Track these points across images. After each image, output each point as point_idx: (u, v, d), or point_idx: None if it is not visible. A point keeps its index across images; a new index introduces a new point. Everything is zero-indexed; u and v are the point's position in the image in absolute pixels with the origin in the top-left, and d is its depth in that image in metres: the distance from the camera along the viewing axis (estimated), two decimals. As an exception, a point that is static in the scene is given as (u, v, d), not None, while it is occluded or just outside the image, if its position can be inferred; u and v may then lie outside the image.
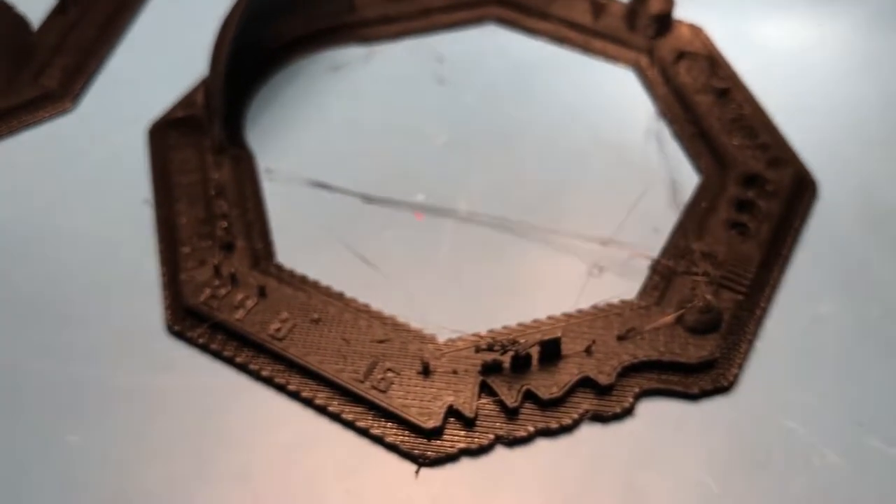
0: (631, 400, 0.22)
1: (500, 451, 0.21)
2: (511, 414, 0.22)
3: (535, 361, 0.22)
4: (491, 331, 0.23)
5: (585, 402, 0.22)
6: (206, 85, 0.30)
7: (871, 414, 0.22)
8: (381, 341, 0.23)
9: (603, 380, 0.22)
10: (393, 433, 0.21)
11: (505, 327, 0.23)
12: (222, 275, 0.24)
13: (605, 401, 0.22)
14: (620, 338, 0.23)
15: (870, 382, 0.23)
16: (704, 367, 0.23)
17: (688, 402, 0.22)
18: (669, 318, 0.23)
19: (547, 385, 0.22)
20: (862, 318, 0.24)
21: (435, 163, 0.29)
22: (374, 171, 0.28)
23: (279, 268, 0.25)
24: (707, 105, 0.30)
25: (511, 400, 0.22)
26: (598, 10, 0.34)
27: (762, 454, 0.21)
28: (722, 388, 0.22)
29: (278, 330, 0.23)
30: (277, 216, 0.27)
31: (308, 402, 0.22)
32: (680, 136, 0.29)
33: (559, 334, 0.22)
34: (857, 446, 0.22)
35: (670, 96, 0.31)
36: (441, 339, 0.23)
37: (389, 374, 0.22)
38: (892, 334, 0.24)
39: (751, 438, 0.22)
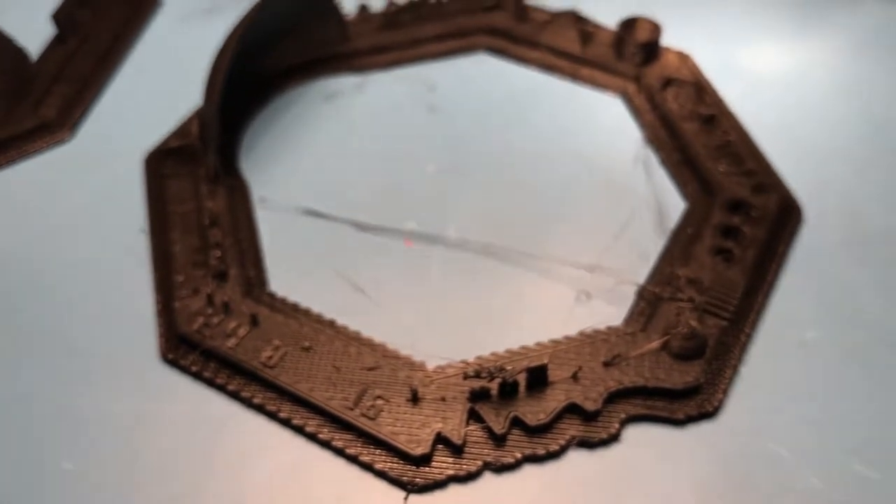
0: (617, 426, 0.22)
1: (488, 478, 0.22)
2: (499, 440, 0.22)
3: (522, 388, 0.23)
4: (479, 357, 0.24)
5: (572, 429, 0.22)
6: (200, 115, 0.30)
7: (856, 439, 0.22)
8: (370, 368, 0.23)
9: (589, 406, 0.22)
10: (382, 460, 0.22)
11: (493, 354, 0.24)
12: (215, 303, 0.25)
13: (592, 427, 0.22)
14: (607, 364, 0.23)
15: (854, 407, 0.23)
16: (690, 392, 0.23)
17: (673, 428, 0.23)
18: (655, 345, 0.24)
19: (534, 411, 0.22)
20: (847, 343, 0.25)
21: (426, 190, 0.29)
22: (366, 199, 0.29)
23: (272, 296, 0.25)
24: (693, 132, 0.30)
25: (499, 426, 0.22)
26: (586, 38, 0.34)
27: (747, 479, 0.22)
28: (707, 414, 0.23)
29: (270, 358, 0.24)
30: (271, 244, 0.27)
31: (299, 430, 0.22)
32: (666, 162, 0.30)
33: (546, 361, 0.22)
34: (842, 471, 0.22)
35: (657, 123, 0.31)
36: (430, 366, 0.24)
37: (379, 402, 0.23)
38: (877, 359, 0.24)
39: (736, 463, 0.22)
